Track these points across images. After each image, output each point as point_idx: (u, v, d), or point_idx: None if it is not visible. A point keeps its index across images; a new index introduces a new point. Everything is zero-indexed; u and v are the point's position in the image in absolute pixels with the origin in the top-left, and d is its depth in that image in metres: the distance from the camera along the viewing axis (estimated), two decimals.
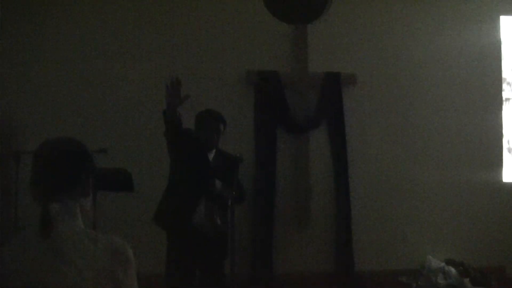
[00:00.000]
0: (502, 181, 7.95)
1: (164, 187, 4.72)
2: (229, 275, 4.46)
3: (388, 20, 7.86)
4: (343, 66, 7.64)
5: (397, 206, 7.69)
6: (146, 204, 6.48)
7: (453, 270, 7.25)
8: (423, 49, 7.91)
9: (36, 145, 2.08)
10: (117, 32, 7.36)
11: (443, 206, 7.75)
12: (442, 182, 7.76)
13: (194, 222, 4.37)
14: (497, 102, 8.04)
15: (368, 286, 7.20)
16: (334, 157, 7.58)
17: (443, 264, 7.34)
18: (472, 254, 7.60)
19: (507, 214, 7.78)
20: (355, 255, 7.46)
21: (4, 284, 1.82)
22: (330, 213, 7.56)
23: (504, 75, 8.08)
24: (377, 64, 7.80)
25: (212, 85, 7.38)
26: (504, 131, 8.04)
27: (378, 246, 7.57)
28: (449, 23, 7.95)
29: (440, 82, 7.88)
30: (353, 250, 7.45)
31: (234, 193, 4.32)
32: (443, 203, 7.75)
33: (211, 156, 4.57)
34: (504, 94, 8.09)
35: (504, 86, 8.10)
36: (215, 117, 4.57)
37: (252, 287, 7.08)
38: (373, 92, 7.75)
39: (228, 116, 4.61)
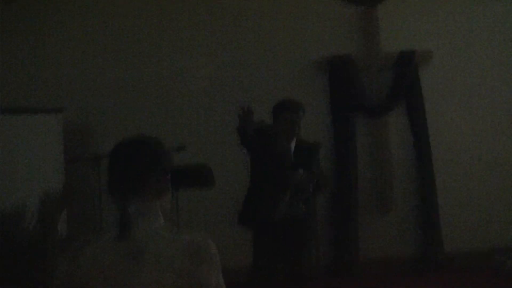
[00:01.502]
0: None
1: (244, 181, 4.70)
2: (314, 261, 4.43)
3: None
4: (417, 43, 7.43)
5: (484, 183, 7.41)
6: (228, 199, 6.53)
7: None
8: (498, 19, 7.59)
9: None
10: (190, 27, 7.40)
11: None
12: None
13: (280, 212, 4.33)
14: None
15: (459, 269, 6.99)
16: (415, 138, 7.39)
17: None
18: None
19: None
20: (443, 238, 7.26)
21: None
22: (414, 195, 7.39)
23: None
24: (452, 39, 7.53)
25: (286, 73, 7.35)
26: None
27: (467, 225, 7.33)
28: None
29: None
30: (441, 232, 7.25)
31: (315, 180, 4.27)
32: None
33: (292, 145, 4.51)
34: None
35: None
36: (294, 107, 4.49)
37: (337, 273, 6.99)
38: (450, 68, 7.49)
39: (304, 104, 4.53)
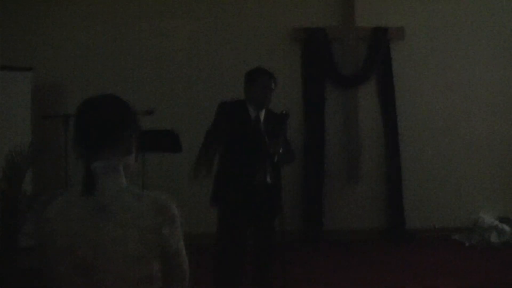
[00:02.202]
0: None
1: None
2: (280, 232, 4.44)
3: None
4: (391, 20, 7.48)
5: (448, 162, 7.56)
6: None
7: (507, 227, 7.11)
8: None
9: None
10: None
11: (496, 162, 7.57)
12: (495, 137, 7.58)
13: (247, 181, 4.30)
14: None
15: (420, 244, 7.13)
16: (383, 111, 7.50)
17: (496, 221, 7.20)
18: None
19: None
20: (406, 212, 7.39)
21: (50, 243, 1.83)
22: (380, 169, 7.50)
23: None
24: (425, 17, 7.60)
25: (260, 42, 7.36)
26: None
27: (430, 203, 7.48)
28: None
29: (490, 34, 7.63)
30: (404, 207, 7.39)
31: (281, 150, 4.26)
32: (496, 158, 7.57)
33: (262, 115, 4.49)
34: None
35: None
36: (267, 76, 4.48)
37: (303, 243, 7.09)
38: (421, 46, 7.57)
39: (275, 73, 4.53)
